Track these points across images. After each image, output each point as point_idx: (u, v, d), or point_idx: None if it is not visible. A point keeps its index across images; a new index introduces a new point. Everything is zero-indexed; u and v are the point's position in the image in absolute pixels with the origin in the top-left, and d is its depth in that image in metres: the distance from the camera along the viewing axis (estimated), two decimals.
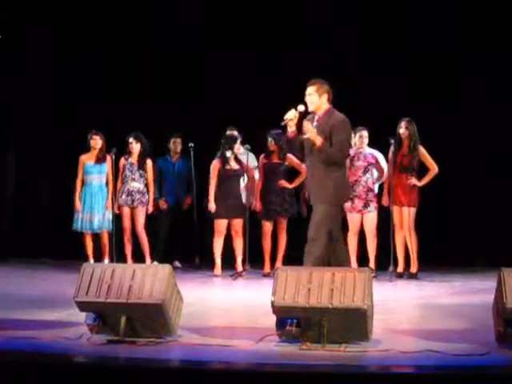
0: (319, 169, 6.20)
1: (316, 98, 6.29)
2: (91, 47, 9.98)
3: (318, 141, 6.10)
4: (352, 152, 8.51)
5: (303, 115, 6.29)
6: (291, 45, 9.66)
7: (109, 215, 8.82)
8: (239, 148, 8.70)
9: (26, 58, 10.09)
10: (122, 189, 8.93)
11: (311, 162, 6.26)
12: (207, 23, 9.92)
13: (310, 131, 6.11)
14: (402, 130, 8.33)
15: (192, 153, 9.18)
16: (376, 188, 8.69)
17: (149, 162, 9.02)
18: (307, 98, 6.27)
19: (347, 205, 8.40)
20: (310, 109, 6.26)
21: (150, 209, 9.01)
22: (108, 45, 10.02)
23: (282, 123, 6.17)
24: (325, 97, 6.33)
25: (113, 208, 8.83)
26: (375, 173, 8.60)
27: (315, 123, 6.25)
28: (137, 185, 8.93)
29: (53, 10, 9.94)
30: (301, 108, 6.18)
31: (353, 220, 8.49)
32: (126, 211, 8.91)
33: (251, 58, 9.63)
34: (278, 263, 8.38)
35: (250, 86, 9.61)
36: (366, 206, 8.46)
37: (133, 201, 8.90)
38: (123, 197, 8.90)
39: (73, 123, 9.89)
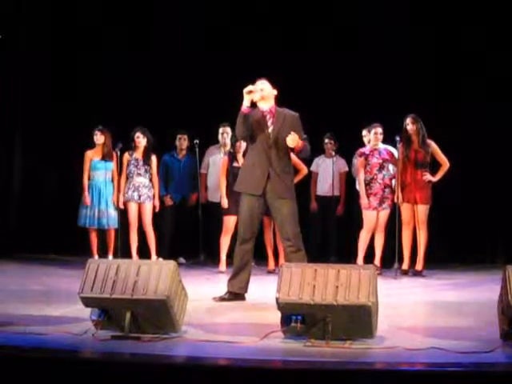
0: (281, 165, 6.35)
1: (269, 88, 6.41)
2: (92, 47, 10.00)
3: (300, 142, 6.29)
4: (367, 150, 8.52)
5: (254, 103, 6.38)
6: (294, 44, 9.67)
7: (114, 211, 8.82)
8: (240, 146, 8.65)
9: (28, 57, 10.10)
10: (127, 184, 8.91)
11: (270, 156, 6.32)
12: (210, 23, 9.94)
13: (295, 139, 6.24)
14: (410, 126, 8.33)
15: (197, 149, 9.19)
16: (394, 184, 8.66)
17: (154, 158, 9.00)
18: (260, 85, 6.34)
19: (364, 202, 8.41)
20: (260, 94, 6.30)
21: (157, 204, 8.99)
22: (109, 44, 10.04)
23: (245, 90, 6.23)
24: (274, 92, 6.45)
25: (118, 204, 8.85)
26: (391, 169, 8.59)
27: (268, 117, 6.37)
28: (143, 180, 8.91)
29: (53, 10, 9.96)
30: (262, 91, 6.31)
31: (369, 218, 8.47)
32: (133, 207, 8.89)
33: (253, 57, 9.64)
34: (283, 260, 8.38)
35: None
36: (381, 203, 8.44)
37: (139, 196, 8.88)
38: (129, 192, 8.88)
39: (77, 121, 9.90)
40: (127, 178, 8.93)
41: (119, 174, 8.93)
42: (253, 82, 6.37)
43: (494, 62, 9.42)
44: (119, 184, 8.91)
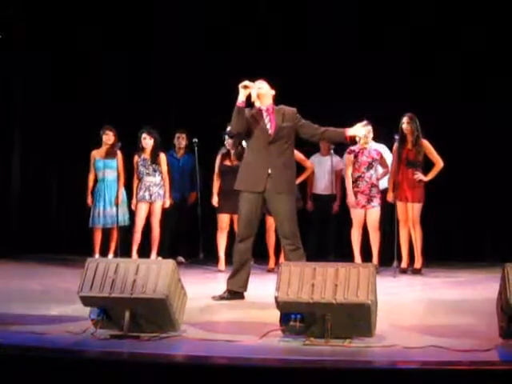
0: (281, 160, 6.33)
1: (267, 87, 6.42)
2: (92, 47, 10.00)
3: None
4: (357, 148, 8.54)
5: (250, 101, 6.39)
6: (292, 44, 9.67)
7: (119, 210, 8.78)
8: (230, 144, 8.61)
9: (28, 57, 10.11)
10: (139, 185, 8.91)
11: (270, 153, 6.31)
12: (210, 23, 9.95)
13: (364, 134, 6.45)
14: (405, 125, 8.37)
15: (196, 148, 9.19)
16: (383, 183, 8.69)
17: (162, 156, 8.99)
18: (258, 84, 6.35)
19: (351, 200, 8.43)
20: (257, 92, 6.32)
21: (167, 202, 8.97)
22: (109, 43, 10.04)
23: (241, 85, 6.24)
24: (272, 92, 6.46)
25: (130, 204, 8.86)
26: (380, 169, 8.60)
27: (266, 114, 6.38)
28: (152, 179, 8.91)
29: (53, 9, 9.96)
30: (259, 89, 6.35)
31: (356, 215, 8.49)
32: (143, 208, 8.88)
33: (253, 57, 9.65)
34: (282, 259, 8.38)
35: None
36: (369, 201, 8.46)
37: (150, 195, 8.88)
38: (141, 193, 8.88)
39: (77, 121, 9.91)
40: (139, 180, 8.93)
41: (131, 177, 8.93)
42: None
43: (493, 62, 9.43)
44: (125, 184, 8.91)
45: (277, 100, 6.53)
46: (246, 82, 6.26)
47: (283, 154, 6.38)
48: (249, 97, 6.33)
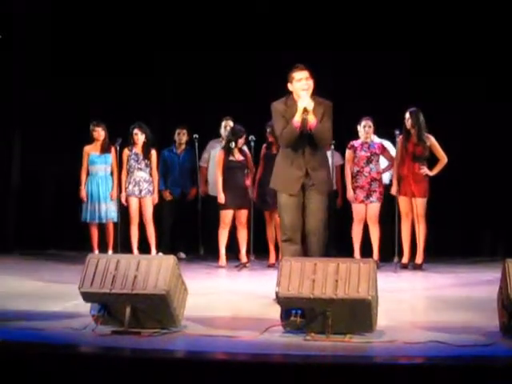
0: (317, 159, 5.97)
1: (312, 83, 6.01)
2: (92, 45, 9.99)
3: (313, 119, 5.87)
4: (357, 143, 8.54)
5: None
6: (291, 44, 9.64)
7: (114, 205, 8.82)
8: (243, 142, 8.65)
9: (27, 55, 10.10)
10: (128, 179, 8.91)
11: (306, 151, 5.90)
12: (209, 22, 9.94)
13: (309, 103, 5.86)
14: (406, 119, 8.36)
15: (196, 144, 9.20)
16: (386, 177, 8.67)
17: (153, 152, 8.99)
18: (307, 82, 5.96)
19: (351, 195, 8.45)
20: (308, 93, 5.92)
21: (156, 198, 9.00)
22: (108, 41, 10.03)
23: (302, 107, 5.87)
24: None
25: (119, 199, 8.85)
26: (384, 162, 8.61)
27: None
28: (143, 174, 8.91)
29: (52, 8, 9.96)
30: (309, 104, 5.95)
31: (357, 210, 8.51)
32: (134, 202, 8.88)
33: (253, 55, 9.65)
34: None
35: (253, 80, 9.61)
36: (368, 196, 8.46)
37: (140, 191, 8.88)
38: (130, 187, 8.88)
39: (77, 116, 9.89)
40: (128, 173, 8.93)
41: (119, 170, 8.93)
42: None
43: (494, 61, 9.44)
44: (119, 179, 8.91)
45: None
46: (308, 106, 5.87)
47: (319, 152, 6.01)
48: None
